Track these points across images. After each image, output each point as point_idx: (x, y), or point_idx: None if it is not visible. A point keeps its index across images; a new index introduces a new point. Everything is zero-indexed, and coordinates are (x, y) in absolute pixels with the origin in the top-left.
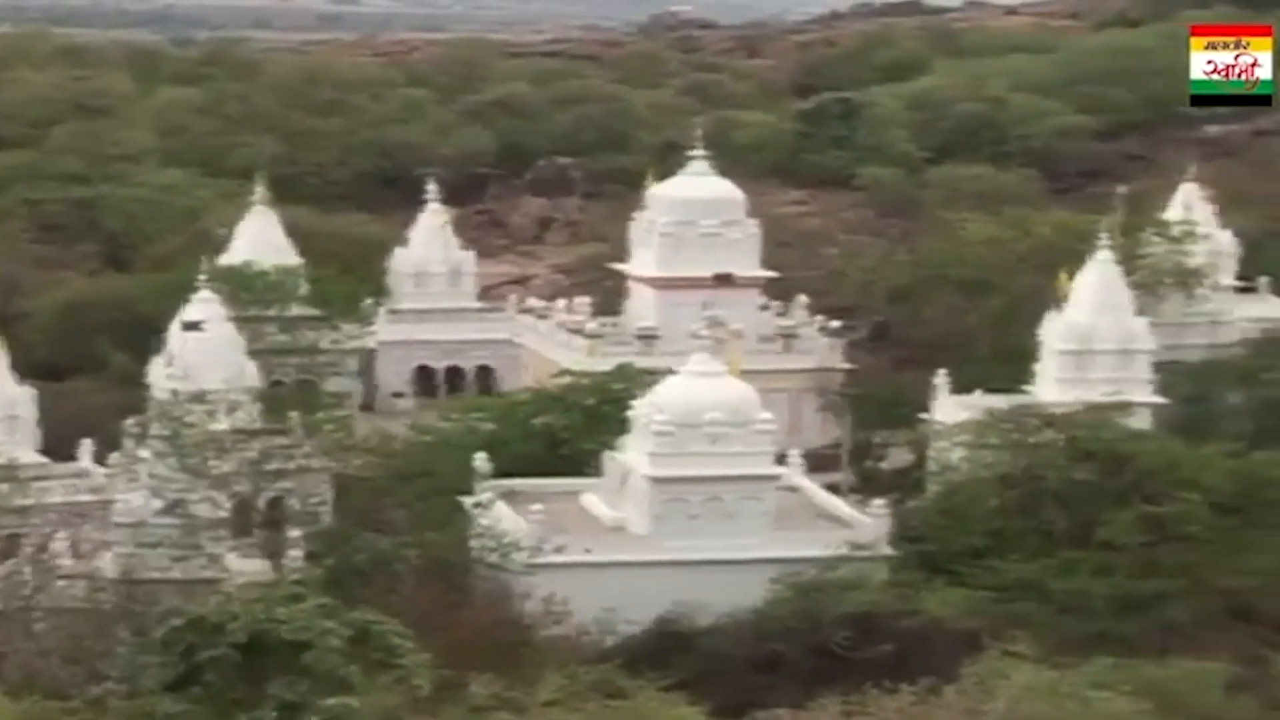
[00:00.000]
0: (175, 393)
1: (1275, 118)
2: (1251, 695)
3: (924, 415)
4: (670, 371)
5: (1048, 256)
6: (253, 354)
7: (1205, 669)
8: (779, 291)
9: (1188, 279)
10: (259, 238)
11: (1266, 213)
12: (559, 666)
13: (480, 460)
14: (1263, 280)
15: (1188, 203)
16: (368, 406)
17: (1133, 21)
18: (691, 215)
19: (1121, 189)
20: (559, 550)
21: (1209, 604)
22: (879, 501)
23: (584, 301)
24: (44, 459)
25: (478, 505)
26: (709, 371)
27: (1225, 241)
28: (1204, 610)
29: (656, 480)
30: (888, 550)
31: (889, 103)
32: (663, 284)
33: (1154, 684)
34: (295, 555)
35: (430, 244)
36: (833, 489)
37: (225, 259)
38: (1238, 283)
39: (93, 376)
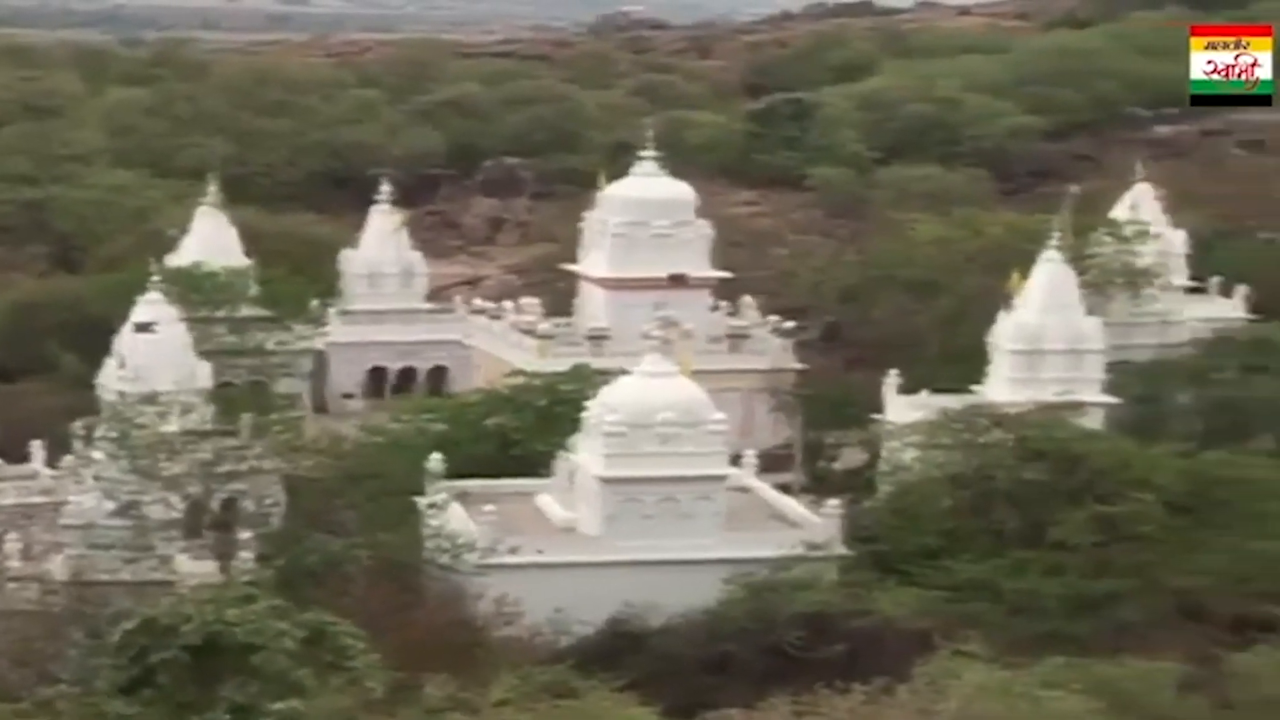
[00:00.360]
0: (126, 394)
1: (1223, 118)
2: (1203, 694)
3: (876, 415)
4: (622, 372)
5: (997, 257)
6: (204, 355)
7: (1157, 668)
8: (730, 292)
9: (1137, 279)
10: (209, 239)
11: (1215, 212)
12: (511, 667)
13: (433, 461)
14: (1212, 280)
15: (1137, 203)
16: (319, 408)
17: (1082, 22)
18: (643, 216)
19: (1072, 189)
20: (511, 551)
21: (1161, 603)
22: (831, 502)
23: (535, 302)
24: None
25: (430, 506)
26: (661, 372)
27: (1175, 241)
28: (1156, 610)
29: (609, 481)
30: (840, 550)
31: (839, 103)
32: (614, 284)
33: (1106, 683)
34: (246, 557)
35: (382, 245)
36: (785, 489)
37: (175, 260)
38: (1187, 283)
39: (43, 378)
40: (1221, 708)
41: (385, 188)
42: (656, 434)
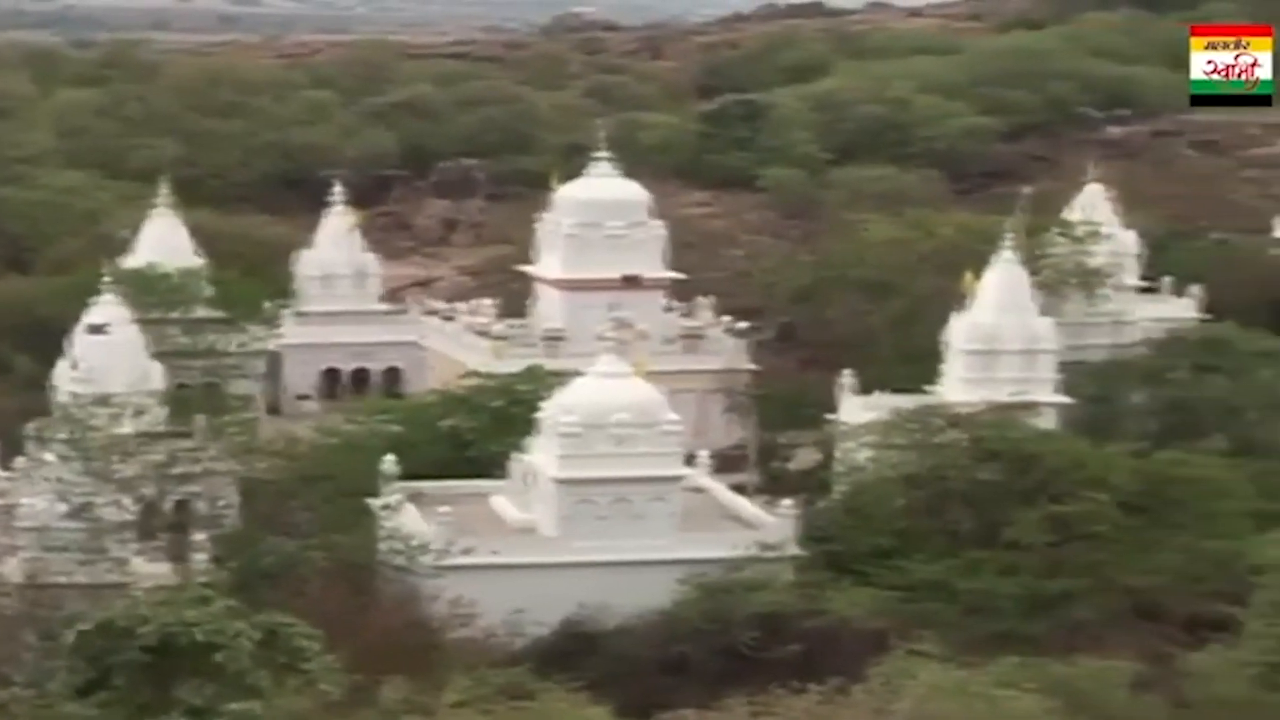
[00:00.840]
0: (79, 396)
1: (1175, 119)
2: (1157, 693)
3: (830, 416)
4: (577, 373)
5: (951, 257)
6: (157, 357)
7: (1111, 667)
8: (684, 293)
9: (1091, 279)
10: (162, 240)
11: (1167, 213)
12: (467, 669)
13: (387, 462)
14: (1165, 280)
15: (1090, 203)
16: (273, 409)
17: (1034, 24)
18: (596, 217)
19: (1025, 189)
20: (466, 552)
21: (1115, 603)
22: (786, 502)
23: (489, 303)
24: None
25: (384, 508)
26: (616, 373)
27: (1127, 242)
28: (1110, 609)
29: (564, 482)
30: (794, 551)
31: (792, 104)
32: (568, 285)
33: (1060, 683)
34: (201, 559)
35: (335, 246)
36: (739, 490)
37: (128, 261)
38: (1140, 283)
39: None
40: (1175, 707)
41: (338, 189)
42: (611, 435)
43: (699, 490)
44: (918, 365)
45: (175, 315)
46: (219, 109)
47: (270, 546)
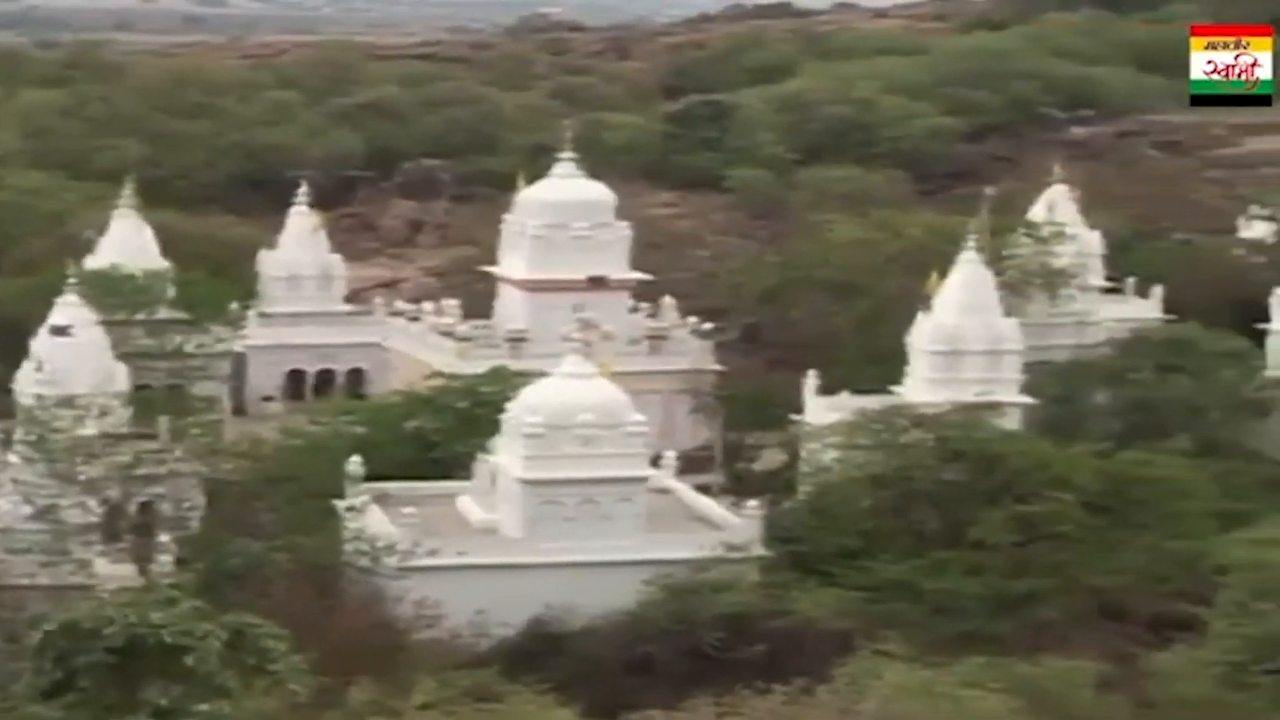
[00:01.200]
0: (43, 397)
1: (1138, 119)
2: (1121, 693)
3: (795, 416)
4: (542, 374)
5: (916, 258)
6: (121, 358)
7: (1076, 667)
8: (650, 293)
9: (1054, 279)
10: (126, 241)
11: (1131, 213)
12: (433, 670)
13: (352, 464)
14: (1129, 281)
15: (1054, 204)
16: (238, 410)
17: (997, 24)
18: (561, 218)
19: (989, 190)
20: (431, 553)
21: (1080, 603)
22: (751, 503)
23: (454, 304)
24: None
25: (349, 509)
26: (580, 374)
27: (1091, 242)
28: (1075, 609)
29: (528, 483)
30: (760, 551)
31: (758, 105)
32: (533, 286)
33: (1025, 682)
34: (165, 560)
35: (300, 247)
36: (705, 491)
37: (92, 262)
38: (1104, 283)
39: None
40: (1140, 706)
41: (303, 190)
42: (576, 436)
43: (664, 491)
44: (883, 366)
45: (139, 316)
46: (184, 110)
47: (235, 548)
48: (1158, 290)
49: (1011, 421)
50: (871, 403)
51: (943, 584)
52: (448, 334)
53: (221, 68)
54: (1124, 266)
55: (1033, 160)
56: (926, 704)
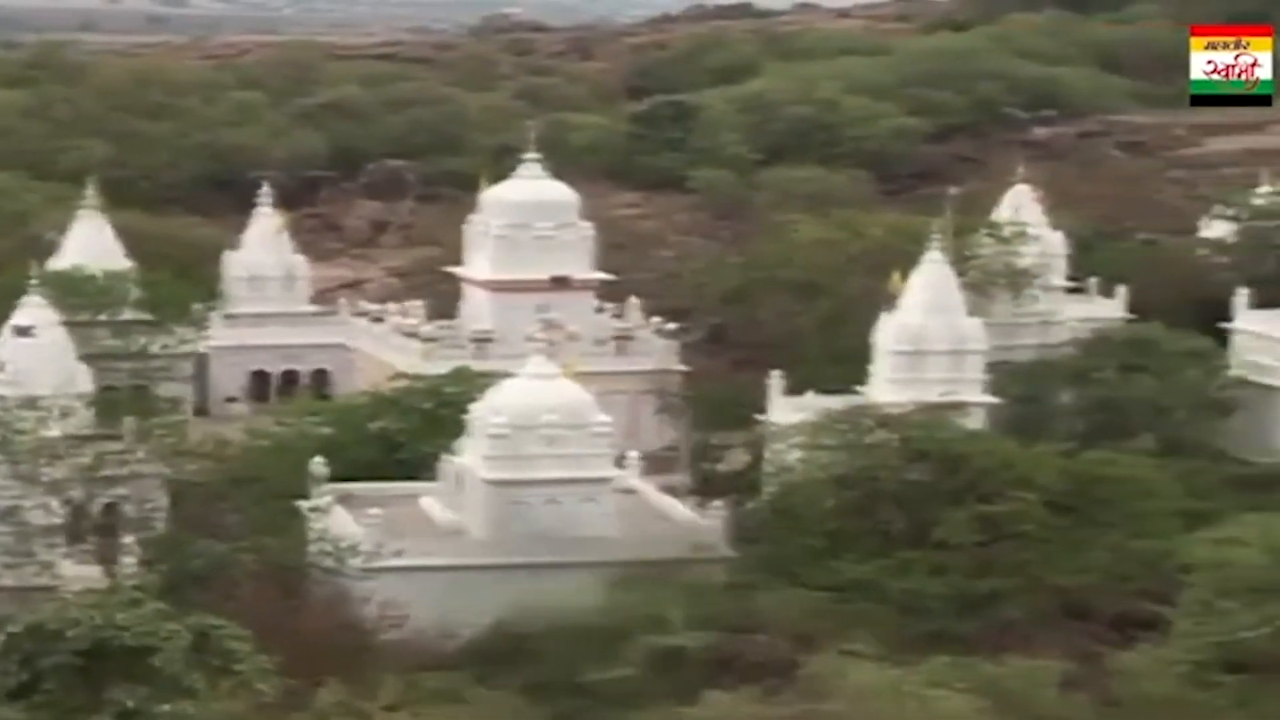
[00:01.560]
0: (6, 399)
1: (1101, 119)
2: (1085, 691)
3: (760, 417)
4: (506, 374)
5: (879, 258)
6: (84, 359)
7: (1040, 666)
8: (614, 294)
9: (1018, 279)
10: (90, 242)
11: (1093, 213)
12: (398, 671)
13: (317, 464)
14: (1091, 281)
15: (1017, 204)
16: (200, 411)
17: (960, 25)
18: (525, 218)
19: (953, 190)
20: (397, 554)
21: (1043, 602)
22: (716, 503)
23: (419, 305)
24: None
25: (314, 510)
26: (545, 374)
27: (1054, 242)
28: (1039, 609)
29: (493, 483)
30: (726, 552)
31: (721, 105)
32: (497, 287)
33: (990, 682)
34: (130, 561)
35: (264, 248)
36: (671, 491)
37: (55, 263)
38: (1067, 283)
39: None
40: (1104, 705)
41: (266, 190)
42: (541, 436)
43: (630, 491)
44: (847, 366)
45: (103, 317)
46: (147, 110)
47: (199, 549)
48: (1122, 290)
49: (976, 421)
50: (836, 403)
51: (907, 584)
52: (412, 335)
53: (184, 68)
54: (1087, 266)
55: (996, 160)
56: (893, 703)
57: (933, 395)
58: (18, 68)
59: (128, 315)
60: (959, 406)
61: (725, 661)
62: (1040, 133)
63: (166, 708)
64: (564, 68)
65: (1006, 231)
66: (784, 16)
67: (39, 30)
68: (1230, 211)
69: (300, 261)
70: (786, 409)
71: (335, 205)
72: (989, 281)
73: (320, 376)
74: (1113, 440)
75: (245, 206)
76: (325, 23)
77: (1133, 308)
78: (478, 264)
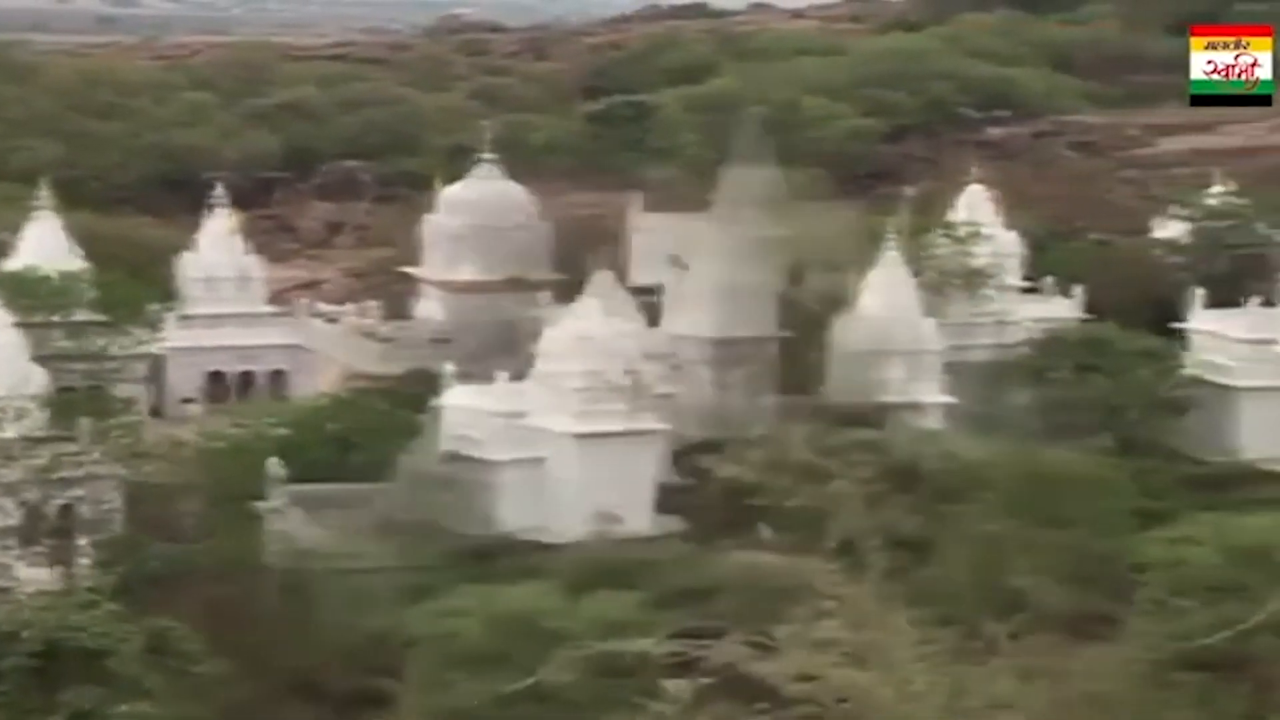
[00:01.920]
0: None
1: (1054, 120)
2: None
3: None
4: (466, 375)
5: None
6: (39, 360)
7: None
8: (570, 294)
9: (973, 280)
10: (42, 242)
11: (1048, 213)
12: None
13: (273, 466)
14: (1047, 280)
15: (972, 204)
16: (156, 413)
17: (912, 25)
18: (481, 218)
19: (908, 190)
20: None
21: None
22: None
23: (375, 305)
24: None
25: (271, 511)
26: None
27: (1009, 242)
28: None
29: None
30: None
31: (678, 105)
32: (454, 287)
33: None
34: (85, 563)
35: (217, 249)
36: None
37: (8, 264)
38: (1022, 283)
39: None
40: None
41: (219, 191)
42: None
43: None
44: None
45: (56, 318)
46: (98, 110)
47: (155, 551)
48: (1079, 290)
49: (932, 421)
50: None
51: None
52: (369, 335)
53: (135, 68)
54: (1041, 266)
55: (950, 161)
56: None
57: (889, 395)
58: None
59: (81, 316)
60: (915, 406)
61: None
62: (993, 133)
63: (124, 708)
64: (519, 68)
65: (962, 231)
66: (739, 16)
67: None
68: (1184, 212)
69: (254, 262)
70: None
71: (290, 206)
72: (945, 282)
73: (277, 377)
74: (1067, 440)
75: (197, 207)
76: (276, 23)
77: (1086, 307)
78: (434, 264)
